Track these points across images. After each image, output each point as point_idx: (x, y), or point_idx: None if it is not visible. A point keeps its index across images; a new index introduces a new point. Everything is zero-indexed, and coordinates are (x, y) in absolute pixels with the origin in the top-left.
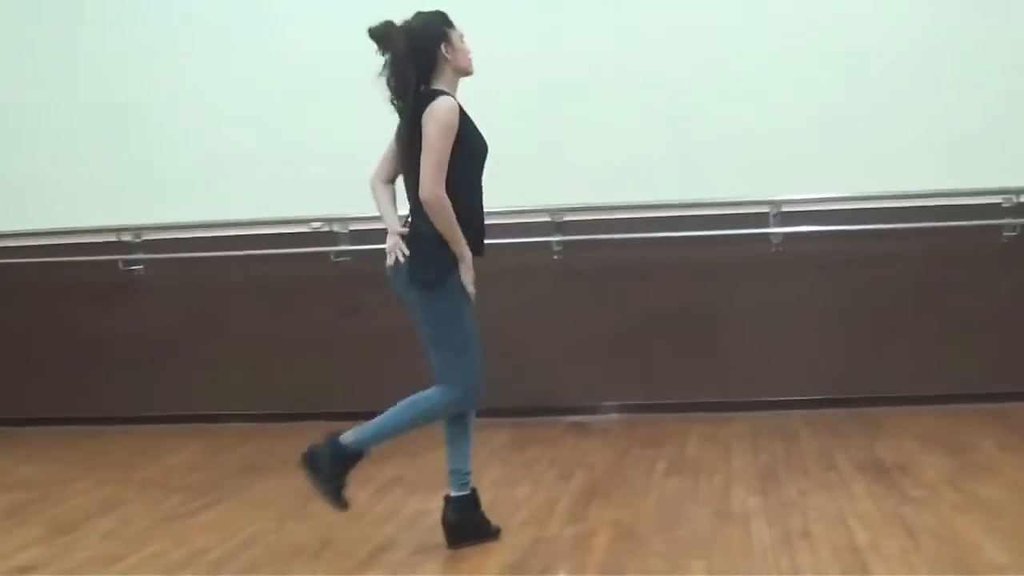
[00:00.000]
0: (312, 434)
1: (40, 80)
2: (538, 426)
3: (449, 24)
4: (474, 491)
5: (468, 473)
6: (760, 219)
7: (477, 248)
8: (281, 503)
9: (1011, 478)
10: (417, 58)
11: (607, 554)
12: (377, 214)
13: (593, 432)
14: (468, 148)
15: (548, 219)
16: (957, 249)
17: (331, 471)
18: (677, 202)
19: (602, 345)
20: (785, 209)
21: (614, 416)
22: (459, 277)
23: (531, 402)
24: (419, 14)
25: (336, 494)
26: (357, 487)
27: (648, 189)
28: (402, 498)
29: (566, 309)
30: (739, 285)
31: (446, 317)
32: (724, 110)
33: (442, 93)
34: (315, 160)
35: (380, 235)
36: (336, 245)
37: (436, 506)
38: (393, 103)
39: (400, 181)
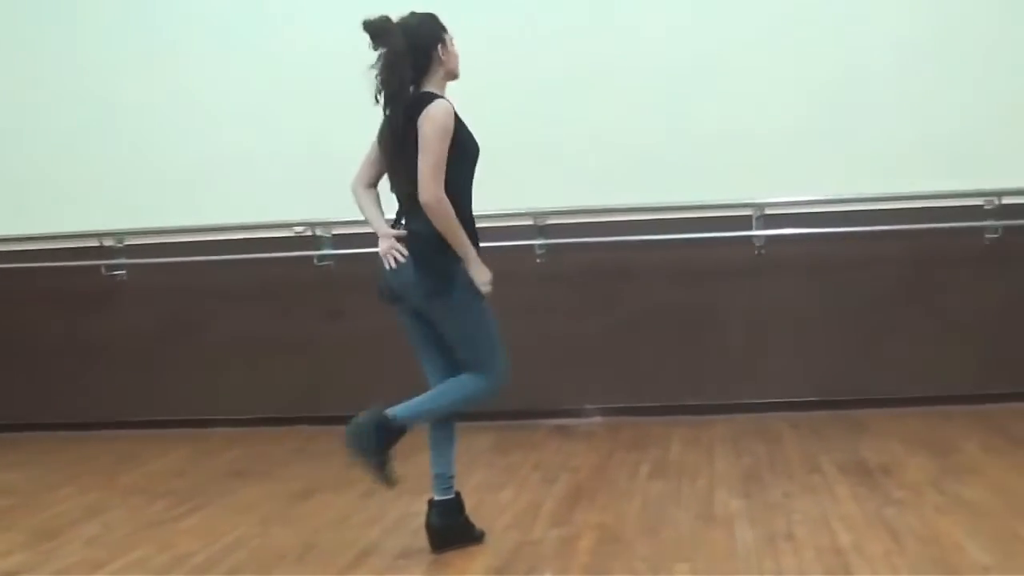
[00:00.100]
0: (297, 438)
1: (20, 85)
2: (522, 429)
3: (442, 26)
4: (458, 495)
5: (452, 477)
6: (743, 222)
7: (474, 247)
8: (265, 507)
9: (994, 479)
10: (414, 57)
11: (591, 557)
12: (360, 218)
13: (577, 435)
14: (462, 151)
15: (531, 222)
16: (939, 251)
17: (376, 444)
18: (659, 205)
19: (585, 348)
20: (768, 212)
21: (598, 419)
22: (464, 273)
23: (515, 406)
24: (414, 14)
25: (382, 468)
26: (343, 490)
27: (630, 192)
28: (387, 502)
29: (549, 312)
30: (722, 288)
31: (461, 314)
32: (707, 113)
33: (436, 96)
34: (298, 164)
35: (363, 239)
36: (319, 249)
37: (420, 510)
38: (382, 101)
39: (384, 184)
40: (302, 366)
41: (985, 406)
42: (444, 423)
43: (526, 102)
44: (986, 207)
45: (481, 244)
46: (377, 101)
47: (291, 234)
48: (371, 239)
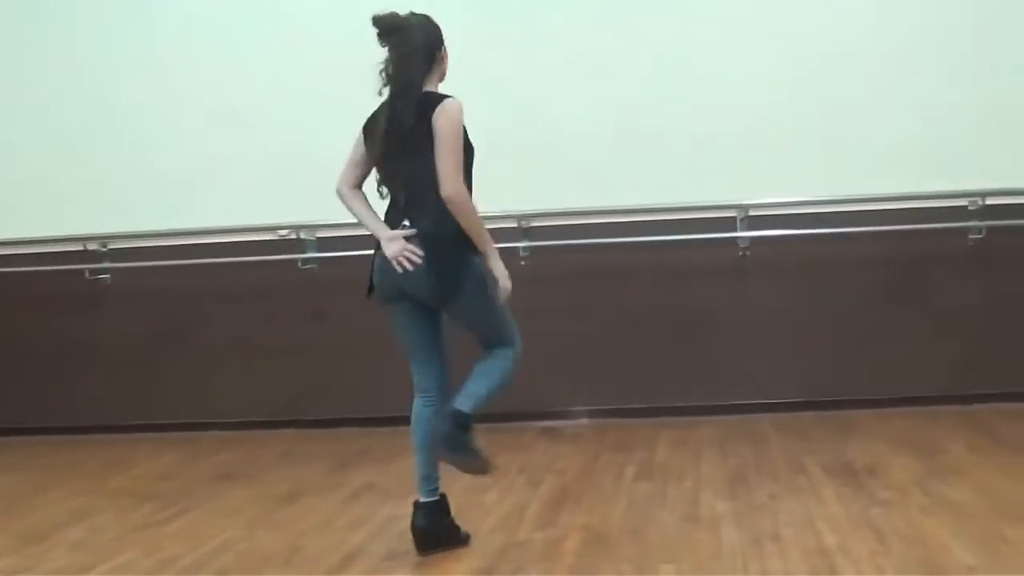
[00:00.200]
0: (283, 441)
1: (4, 90)
2: (508, 432)
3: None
4: (444, 496)
5: (438, 479)
6: (728, 223)
7: None
8: (252, 511)
9: (980, 480)
10: (427, 56)
11: (577, 559)
12: (345, 221)
13: (563, 437)
14: (468, 150)
15: (515, 224)
16: (923, 252)
17: (469, 441)
18: (644, 207)
19: (571, 351)
20: (752, 213)
21: (584, 421)
22: (477, 262)
23: (501, 408)
24: (415, 14)
25: (483, 457)
26: (328, 493)
27: (615, 194)
28: (373, 505)
29: (534, 315)
30: (708, 289)
31: (478, 300)
32: (691, 115)
33: (445, 94)
34: (282, 167)
35: (347, 242)
36: (303, 252)
37: (406, 512)
38: (387, 97)
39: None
40: (287, 370)
41: (971, 406)
42: (428, 424)
43: (510, 104)
44: (970, 208)
45: None
46: (381, 95)
47: (275, 237)
48: (356, 242)
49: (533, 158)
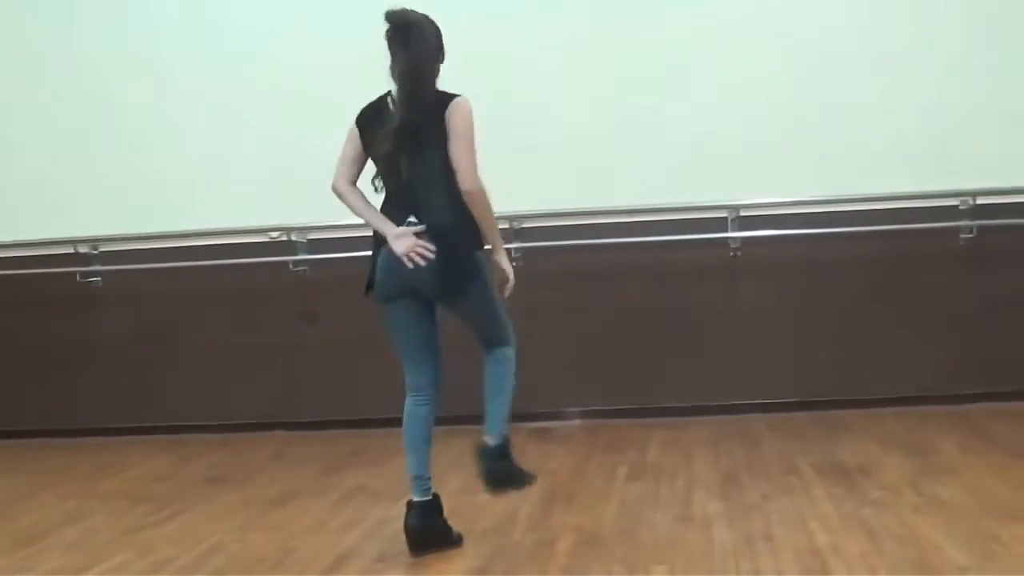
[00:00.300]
0: (275, 444)
1: None
2: None
3: None
4: (436, 496)
5: (429, 479)
6: (719, 224)
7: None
8: (244, 513)
9: (971, 479)
10: (437, 55)
11: (569, 559)
12: (335, 223)
13: (555, 438)
14: None
15: (507, 226)
16: (915, 251)
17: (513, 467)
18: (635, 208)
19: (563, 351)
20: (743, 214)
21: (576, 422)
22: (483, 259)
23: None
24: (420, 12)
25: (527, 478)
26: (320, 495)
27: (606, 195)
28: (365, 506)
29: (526, 316)
30: (699, 290)
31: (483, 296)
32: (682, 116)
33: (453, 93)
34: (273, 169)
35: (338, 243)
36: (294, 254)
37: (398, 514)
38: (398, 94)
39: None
40: (279, 371)
41: (962, 406)
42: (422, 424)
43: (501, 105)
44: (961, 207)
45: None
46: (399, 95)
47: (266, 239)
48: (347, 243)
49: (525, 159)
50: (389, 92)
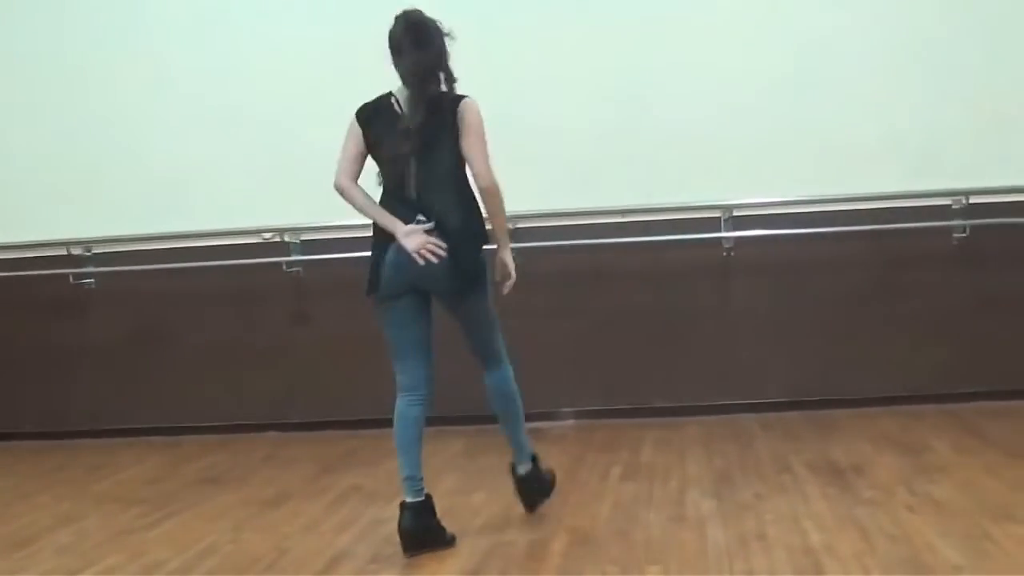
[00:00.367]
0: (268, 445)
1: None
2: (494, 433)
3: None
4: (429, 497)
5: (422, 479)
6: (712, 223)
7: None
8: (237, 514)
9: (965, 479)
10: (446, 56)
11: (563, 560)
12: (329, 223)
13: (549, 438)
14: None
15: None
16: (908, 251)
17: (544, 481)
18: (628, 207)
19: (556, 351)
20: (736, 213)
21: (570, 422)
22: (486, 258)
23: (486, 409)
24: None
25: (552, 476)
26: (314, 496)
27: (599, 195)
28: (358, 507)
29: (520, 316)
30: (692, 289)
31: (485, 301)
32: (674, 115)
33: (462, 94)
34: (266, 170)
35: (332, 244)
36: (288, 255)
37: (392, 515)
38: (412, 94)
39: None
40: (272, 372)
41: (956, 405)
42: (414, 425)
43: (494, 105)
44: (954, 207)
45: None
46: (392, 94)
47: (260, 240)
48: (341, 245)
49: (518, 159)
50: (390, 93)
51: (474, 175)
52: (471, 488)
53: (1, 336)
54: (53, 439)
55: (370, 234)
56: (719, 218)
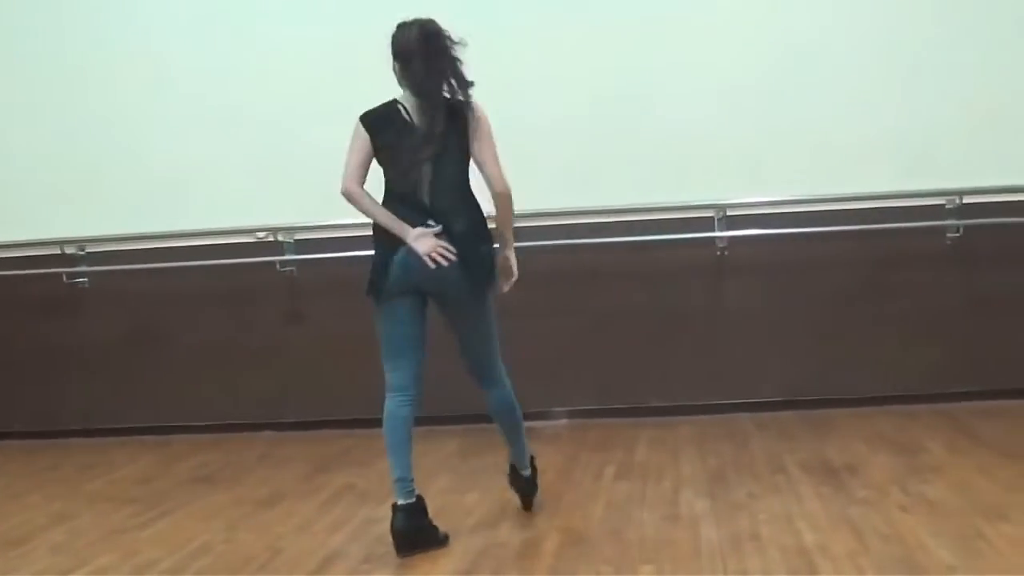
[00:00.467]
0: (262, 445)
1: None
2: (487, 433)
3: None
4: (420, 498)
5: (412, 480)
6: (705, 223)
7: None
8: (231, 514)
9: (958, 478)
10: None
11: (556, 559)
12: (322, 223)
13: (543, 438)
14: None
15: (492, 226)
16: (902, 250)
17: (535, 484)
18: (622, 207)
19: (550, 351)
20: (730, 213)
21: (563, 421)
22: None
23: (480, 409)
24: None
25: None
26: (308, 496)
27: (592, 194)
28: (352, 507)
29: (513, 316)
30: (686, 289)
31: (489, 308)
32: (668, 115)
33: (468, 100)
34: (259, 169)
35: (325, 244)
36: (282, 254)
37: (386, 514)
38: (430, 101)
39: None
40: (266, 372)
41: (950, 405)
42: (404, 425)
43: (486, 104)
44: (947, 206)
45: None
46: (423, 98)
47: (253, 239)
48: (334, 244)
49: (511, 159)
50: (395, 100)
51: (489, 179)
52: (464, 488)
53: None
54: (46, 438)
55: (363, 234)
56: (713, 218)
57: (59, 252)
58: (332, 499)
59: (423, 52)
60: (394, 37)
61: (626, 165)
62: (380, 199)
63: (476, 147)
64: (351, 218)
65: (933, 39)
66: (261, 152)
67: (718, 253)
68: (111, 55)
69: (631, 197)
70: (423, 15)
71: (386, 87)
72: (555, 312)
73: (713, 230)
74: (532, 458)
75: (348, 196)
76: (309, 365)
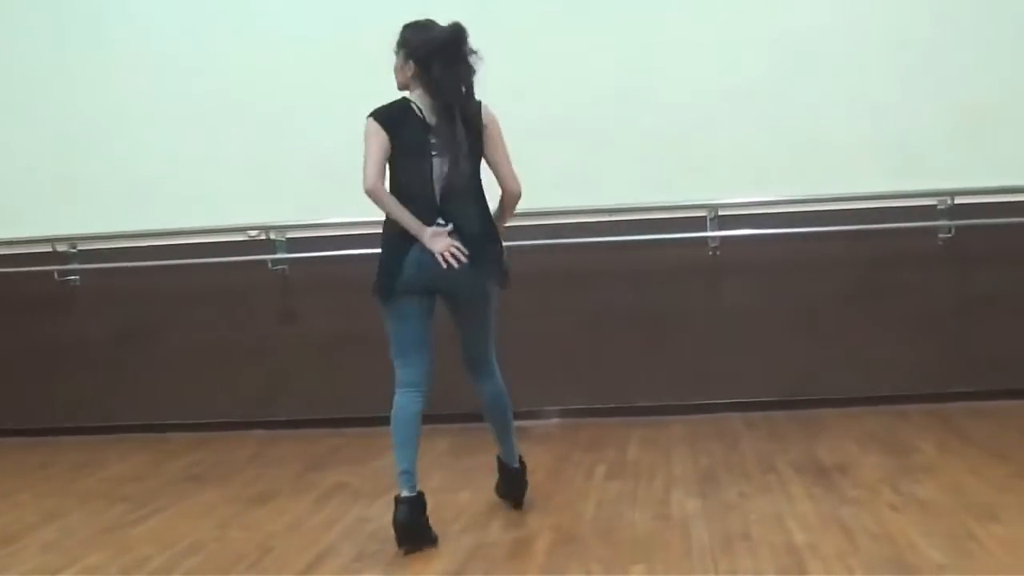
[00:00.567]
0: (253, 443)
1: None
2: (479, 432)
3: None
4: (422, 494)
5: (416, 474)
6: (697, 223)
7: None
8: (222, 512)
9: (949, 478)
10: None
11: (547, 559)
12: (315, 222)
13: (534, 437)
14: None
15: None
16: (893, 251)
17: (526, 476)
18: (614, 207)
19: (542, 350)
20: (722, 213)
21: (555, 421)
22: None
23: (472, 408)
24: None
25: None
26: (299, 494)
27: (584, 194)
28: (344, 505)
29: (505, 315)
30: (678, 289)
31: (493, 307)
32: (659, 115)
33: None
34: (251, 167)
35: (317, 242)
36: (274, 252)
37: (378, 513)
38: (451, 102)
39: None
40: (258, 370)
41: (941, 405)
42: (414, 421)
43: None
44: (939, 207)
45: None
46: (449, 102)
47: (245, 238)
48: (326, 243)
49: None
50: (406, 99)
51: (504, 180)
52: (456, 487)
53: None
54: (37, 436)
55: (355, 232)
56: (705, 218)
57: (50, 250)
58: (323, 497)
59: (450, 55)
60: (415, 37)
61: (617, 165)
62: None
63: (489, 148)
64: (343, 217)
65: (925, 41)
66: (253, 151)
67: (710, 253)
68: (100, 53)
69: (623, 197)
70: (423, 15)
71: (380, 87)
72: (547, 311)
73: (705, 230)
74: (521, 458)
75: (373, 194)
76: (301, 364)
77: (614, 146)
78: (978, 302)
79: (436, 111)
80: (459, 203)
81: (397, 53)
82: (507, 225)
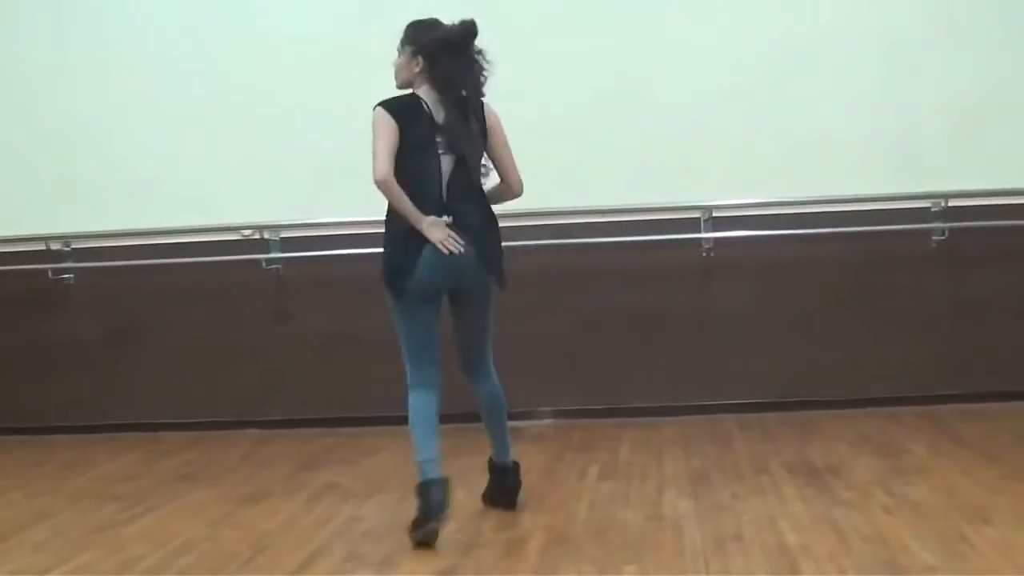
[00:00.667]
0: (246, 442)
1: None
2: (472, 432)
3: None
4: (448, 479)
5: (441, 461)
6: (691, 224)
7: None
8: (214, 511)
9: (941, 480)
10: None
11: (540, 559)
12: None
13: (527, 437)
14: None
15: None
16: (887, 253)
17: (520, 476)
18: (608, 207)
19: (535, 351)
20: (716, 214)
21: (548, 421)
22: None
23: (464, 408)
24: None
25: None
26: (292, 493)
27: (578, 194)
28: (336, 505)
29: (499, 315)
30: (672, 290)
31: (494, 304)
32: (654, 116)
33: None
34: (246, 166)
35: (312, 242)
36: (268, 252)
37: (370, 512)
38: (461, 98)
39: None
40: (251, 370)
41: (934, 407)
42: (433, 418)
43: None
44: (933, 209)
45: None
46: (462, 97)
47: (239, 237)
48: (321, 242)
49: None
50: (414, 94)
51: (507, 177)
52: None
53: None
54: (28, 434)
55: (349, 232)
56: (699, 219)
57: (44, 248)
58: (316, 497)
59: (461, 50)
60: (424, 34)
61: (611, 166)
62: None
63: (495, 146)
64: (337, 216)
65: (920, 43)
66: (248, 150)
67: (704, 254)
68: (102, 53)
69: (617, 198)
70: (423, 15)
71: (380, 87)
72: (540, 312)
73: (699, 231)
74: (515, 462)
75: (384, 185)
76: (294, 363)
77: (607, 147)
78: (971, 304)
79: (445, 107)
80: (463, 199)
81: (401, 50)
82: (501, 225)
